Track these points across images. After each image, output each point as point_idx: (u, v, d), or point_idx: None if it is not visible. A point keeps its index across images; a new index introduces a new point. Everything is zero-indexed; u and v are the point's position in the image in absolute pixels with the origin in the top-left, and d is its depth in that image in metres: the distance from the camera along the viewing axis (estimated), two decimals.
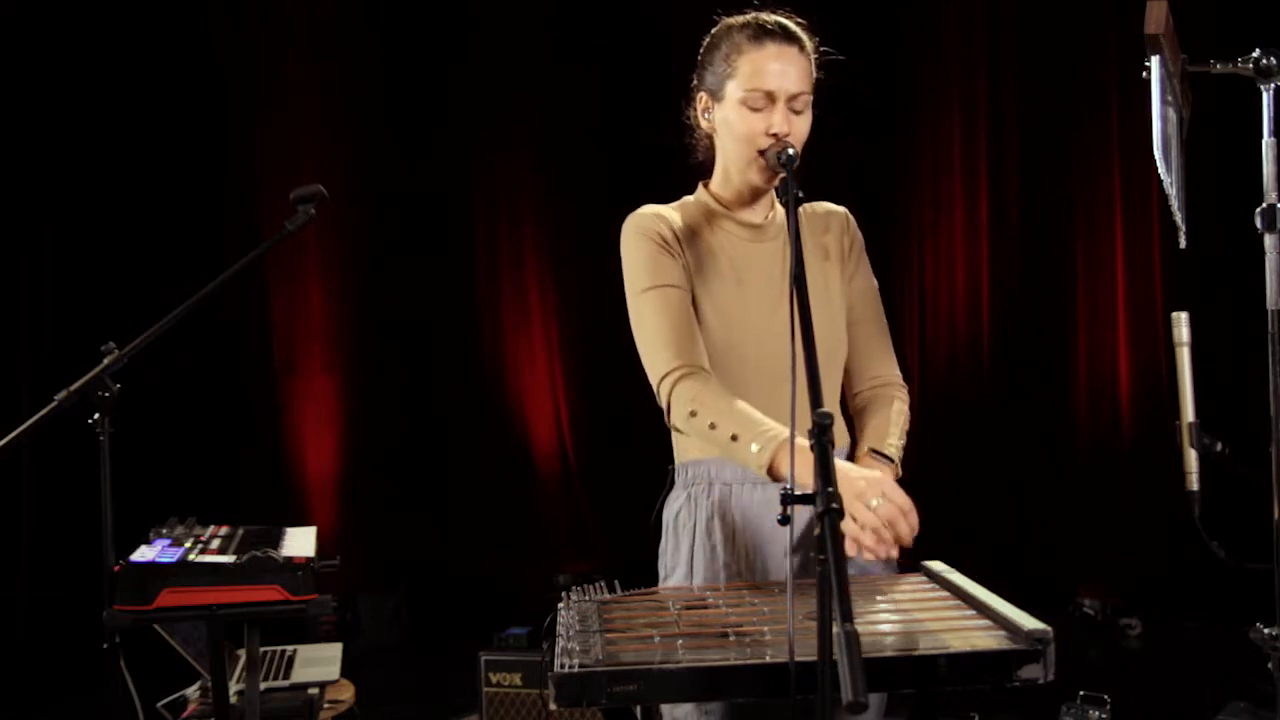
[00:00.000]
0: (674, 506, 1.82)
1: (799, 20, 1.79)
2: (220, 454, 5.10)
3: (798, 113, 1.74)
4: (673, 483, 1.85)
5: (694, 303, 1.77)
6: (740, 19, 1.78)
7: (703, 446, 1.75)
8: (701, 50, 1.83)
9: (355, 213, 5.29)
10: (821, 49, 1.81)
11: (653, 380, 1.73)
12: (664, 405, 1.72)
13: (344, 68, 5.48)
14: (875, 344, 1.90)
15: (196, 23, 5.16)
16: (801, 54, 1.76)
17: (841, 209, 1.96)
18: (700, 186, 1.90)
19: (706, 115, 1.83)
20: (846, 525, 1.39)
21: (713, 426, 1.61)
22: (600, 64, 5.68)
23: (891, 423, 1.82)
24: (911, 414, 1.87)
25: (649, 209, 1.83)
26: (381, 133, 5.54)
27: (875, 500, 1.43)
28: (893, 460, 1.78)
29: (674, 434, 1.84)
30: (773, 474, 1.56)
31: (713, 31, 1.82)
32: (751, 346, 1.76)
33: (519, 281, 5.89)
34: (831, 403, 1.81)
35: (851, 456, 1.81)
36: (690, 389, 1.66)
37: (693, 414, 1.64)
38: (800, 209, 1.91)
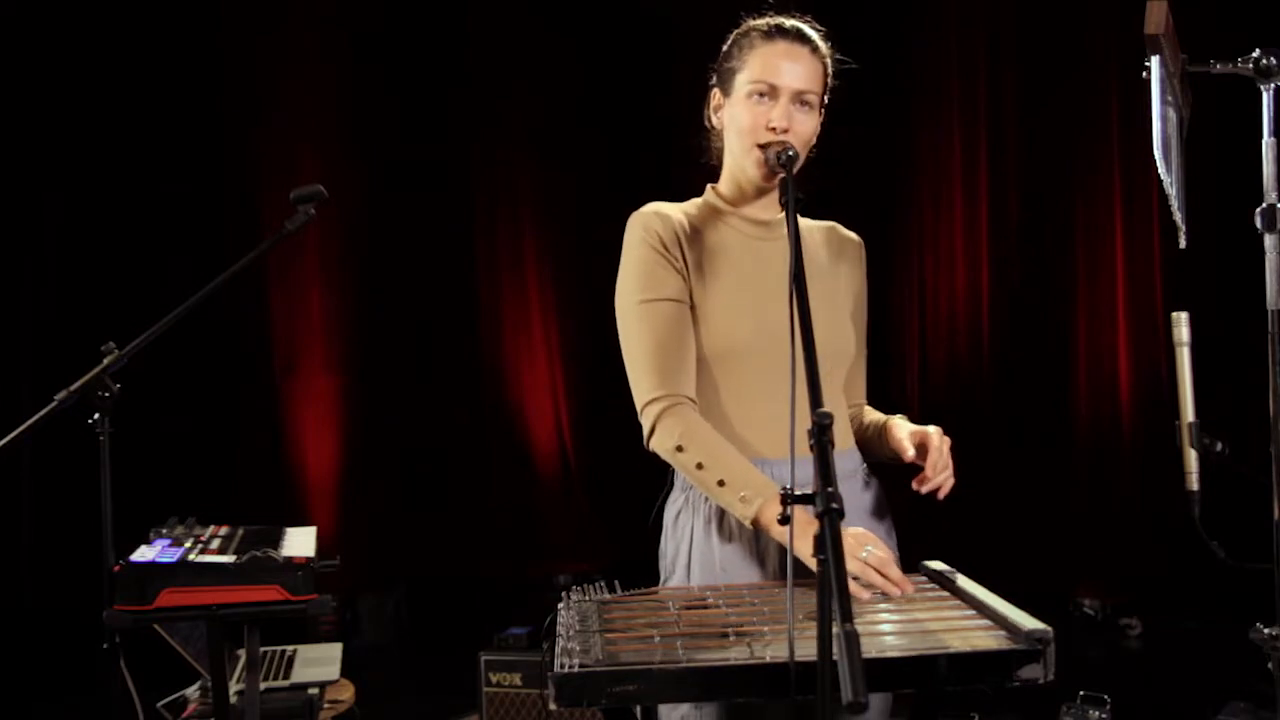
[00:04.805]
0: (673, 508, 1.83)
1: (817, 26, 1.81)
2: (220, 454, 5.09)
3: (805, 105, 1.75)
4: (672, 484, 1.85)
5: (697, 301, 1.77)
6: (761, 20, 1.81)
7: None
8: (722, 51, 1.86)
9: (355, 213, 5.29)
10: (837, 57, 1.83)
11: (637, 400, 1.75)
12: (646, 429, 1.73)
13: (344, 68, 5.47)
14: (858, 375, 1.97)
15: (197, 22, 5.16)
16: (814, 56, 1.78)
17: (859, 238, 1.98)
18: (709, 188, 1.91)
19: (717, 113, 1.85)
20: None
21: (700, 466, 1.65)
22: (602, 64, 5.68)
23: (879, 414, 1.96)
24: (909, 414, 1.92)
25: (654, 207, 1.83)
26: (381, 133, 5.54)
27: (864, 552, 1.55)
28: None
29: None
30: (756, 525, 1.61)
31: (733, 33, 1.84)
32: (759, 342, 1.75)
33: (519, 281, 5.90)
34: (835, 402, 1.83)
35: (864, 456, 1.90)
36: (678, 423, 1.68)
37: (679, 449, 1.67)
38: (822, 222, 1.96)
